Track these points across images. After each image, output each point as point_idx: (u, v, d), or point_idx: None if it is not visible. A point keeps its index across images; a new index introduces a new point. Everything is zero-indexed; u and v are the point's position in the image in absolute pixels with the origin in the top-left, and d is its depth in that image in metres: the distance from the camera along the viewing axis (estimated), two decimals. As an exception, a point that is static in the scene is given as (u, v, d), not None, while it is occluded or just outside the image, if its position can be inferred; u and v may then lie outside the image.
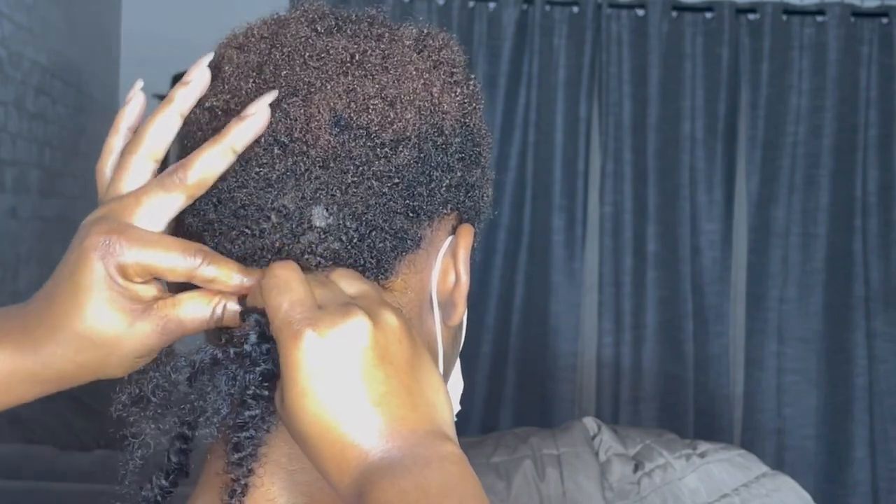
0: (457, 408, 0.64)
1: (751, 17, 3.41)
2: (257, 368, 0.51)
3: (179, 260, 0.51)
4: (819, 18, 3.38)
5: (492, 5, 3.43)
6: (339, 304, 0.50)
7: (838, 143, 3.36)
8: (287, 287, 0.50)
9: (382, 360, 0.49)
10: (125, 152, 0.55)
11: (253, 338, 0.51)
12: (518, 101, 3.42)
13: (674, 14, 3.41)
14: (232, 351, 0.52)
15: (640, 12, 3.42)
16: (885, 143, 3.37)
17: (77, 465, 1.82)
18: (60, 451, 1.92)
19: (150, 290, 0.52)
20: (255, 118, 0.53)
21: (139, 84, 0.59)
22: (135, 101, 0.58)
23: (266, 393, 0.52)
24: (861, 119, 3.36)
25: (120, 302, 0.51)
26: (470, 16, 3.42)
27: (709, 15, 3.40)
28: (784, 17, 3.39)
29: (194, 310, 0.53)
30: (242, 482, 0.52)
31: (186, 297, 0.53)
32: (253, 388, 0.51)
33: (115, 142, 0.57)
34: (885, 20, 3.38)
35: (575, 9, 3.42)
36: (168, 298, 0.53)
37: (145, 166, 0.55)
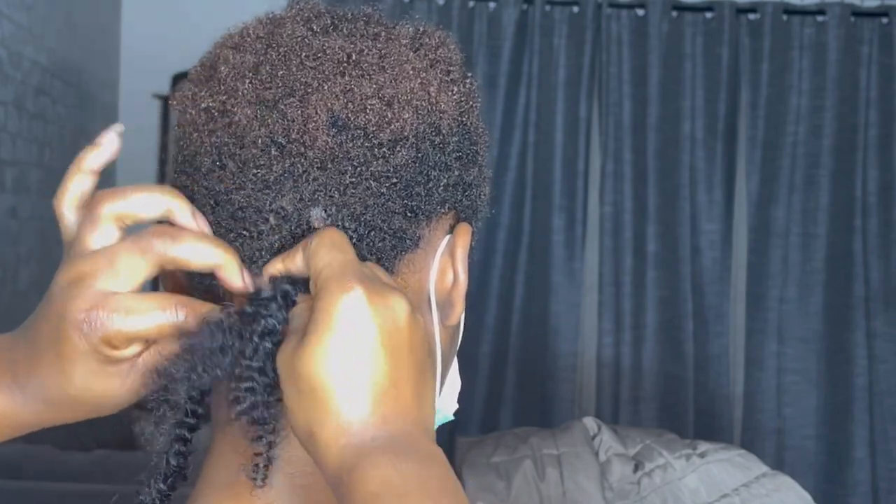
0: (454, 406, 0.64)
1: (751, 16, 3.41)
2: (262, 321, 0.52)
3: (161, 318, 0.50)
4: (819, 18, 3.38)
5: (492, 5, 3.43)
6: (383, 282, 0.51)
7: (838, 143, 3.36)
8: (342, 248, 0.51)
9: (410, 345, 0.50)
10: (95, 204, 0.52)
11: (267, 292, 0.52)
12: (518, 101, 3.42)
13: (674, 14, 3.41)
14: (233, 310, 0.52)
15: (640, 12, 3.42)
16: (885, 143, 3.37)
17: (77, 465, 1.82)
18: (60, 451, 1.92)
19: (133, 349, 0.52)
20: (244, 284, 0.52)
21: (119, 128, 0.56)
22: (108, 145, 0.55)
23: (268, 345, 0.52)
24: (861, 119, 3.36)
25: (107, 369, 0.51)
26: (470, 16, 3.42)
27: (709, 15, 3.40)
28: (784, 17, 3.39)
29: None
30: (266, 455, 0.53)
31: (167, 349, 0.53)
32: (256, 338, 0.52)
33: (76, 183, 0.54)
34: (885, 20, 3.38)
35: (575, 9, 3.42)
36: (151, 348, 0.52)
37: (114, 229, 0.52)
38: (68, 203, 0.54)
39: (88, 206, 0.53)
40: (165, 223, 0.53)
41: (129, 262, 0.50)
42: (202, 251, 0.51)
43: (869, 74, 3.36)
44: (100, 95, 3.44)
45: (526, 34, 3.42)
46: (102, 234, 0.52)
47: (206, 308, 0.52)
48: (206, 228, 0.53)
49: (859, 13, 3.39)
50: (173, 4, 3.46)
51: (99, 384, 0.51)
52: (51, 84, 2.96)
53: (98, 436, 2.22)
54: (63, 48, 3.05)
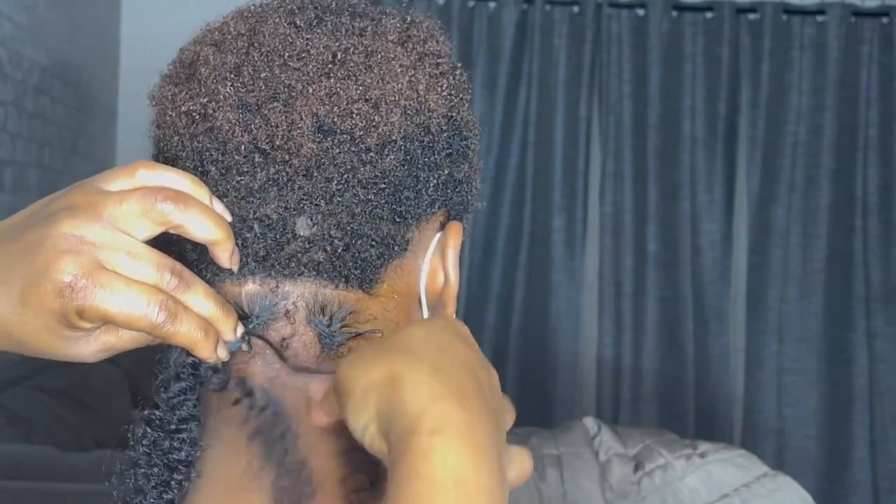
0: None
1: (751, 16, 3.41)
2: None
3: (141, 311, 0.48)
4: (819, 18, 3.38)
5: (492, 5, 3.43)
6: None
7: (838, 143, 3.36)
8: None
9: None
10: (134, 167, 0.50)
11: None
12: (518, 101, 3.42)
13: (674, 14, 3.41)
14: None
15: (641, 12, 3.42)
16: (885, 143, 3.37)
17: (77, 465, 1.82)
18: (60, 451, 1.92)
19: (98, 324, 0.50)
20: (231, 263, 0.52)
21: (218, 204, 0.52)
22: (196, 190, 0.51)
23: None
24: (861, 119, 3.36)
25: (63, 331, 0.49)
26: (470, 16, 3.42)
27: (709, 15, 3.40)
28: (784, 17, 3.39)
29: (135, 340, 0.52)
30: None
31: (126, 331, 0.51)
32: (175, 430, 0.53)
33: (124, 183, 0.50)
34: (885, 20, 3.38)
35: (575, 8, 3.42)
36: (110, 327, 0.50)
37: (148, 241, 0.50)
38: (117, 186, 0.50)
39: (128, 166, 0.51)
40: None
41: (138, 210, 0.48)
42: (205, 225, 0.50)
43: (869, 74, 3.36)
44: (100, 95, 3.43)
45: (526, 34, 3.42)
46: (126, 186, 0.50)
47: (191, 319, 0.50)
48: (226, 214, 0.52)
49: (859, 13, 3.39)
50: (173, 4, 3.45)
51: (46, 339, 0.49)
52: (50, 84, 2.95)
53: (98, 436, 2.22)
54: (63, 48, 3.05)
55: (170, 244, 0.54)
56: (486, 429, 0.44)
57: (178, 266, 0.50)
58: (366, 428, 0.45)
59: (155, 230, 0.49)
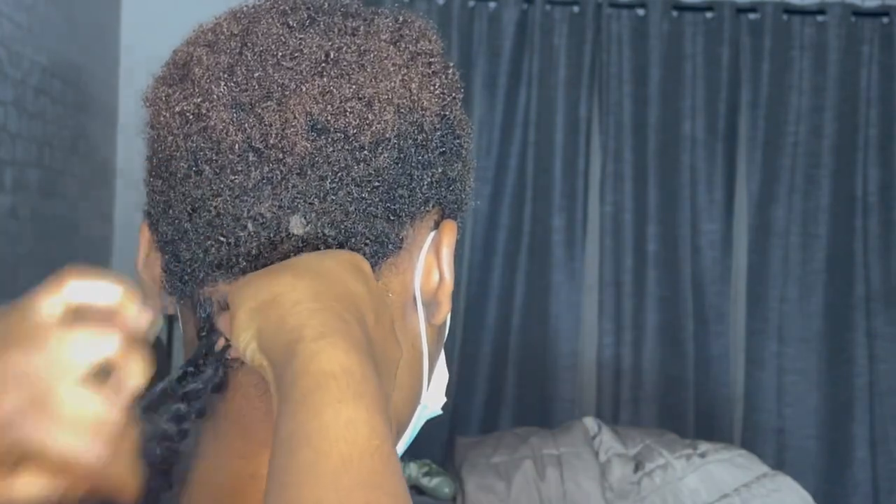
0: (442, 400, 0.62)
1: (751, 16, 3.41)
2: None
3: (79, 456, 0.45)
4: (819, 18, 3.38)
5: (492, 5, 3.43)
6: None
7: (838, 142, 3.36)
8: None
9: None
10: (63, 277, 0.47)
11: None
12: (518, 101, 3.42)
13: (674, 14, 3.41)
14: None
15: (641, 12, 3.42)
16: (885, 143, 3.37)
17: (77, 466, 1.82)
18: (60, 451, 1.92)
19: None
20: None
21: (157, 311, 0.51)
22: (141, 317, 0.49)
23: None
24: (861, 119, 3.36)
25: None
26: (470, 16, 3.42)
27: (709, 15, 3.40)
28: (784, 17, 3.39)
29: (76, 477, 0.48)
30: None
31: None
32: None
33: (56, 301, 0.47)
34: (885, 20, 3.38)
35: (575, 8, 3.42)
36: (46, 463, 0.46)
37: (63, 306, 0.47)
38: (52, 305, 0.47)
39: (58, 280, 0.48)
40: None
41: (77, 346, 0.45)
42: (137, 362, 0.47)
43: (869, 74, 3.36)
44: (100, 95, 3.43)
45: (526, 34, 3.42)
46: (58, 303, 0.47)
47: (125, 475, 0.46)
48: (153, 314, 0.49)
49: (860, 13, 3.39)
50: (173, 4, 3.45)
51: None
52: (50, 84, 2.95)
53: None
54: (63, 48, 3.05)
55: (166, 244, 0.55)
56: (363, 343, 0.47)
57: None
58: (247, 345, 0.48)
59: (94, 362, 0.46)
